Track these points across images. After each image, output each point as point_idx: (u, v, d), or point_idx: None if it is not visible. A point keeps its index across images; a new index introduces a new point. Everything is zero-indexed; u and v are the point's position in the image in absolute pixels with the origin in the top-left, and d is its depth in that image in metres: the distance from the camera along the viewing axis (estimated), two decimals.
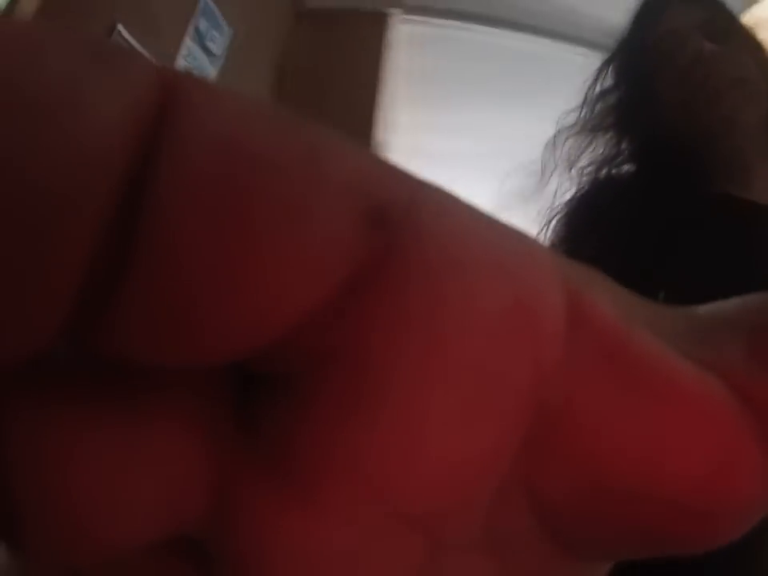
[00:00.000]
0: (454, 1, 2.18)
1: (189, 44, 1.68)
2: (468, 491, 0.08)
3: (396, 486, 0.07)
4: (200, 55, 1.74)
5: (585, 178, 0.72)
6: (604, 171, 0.72)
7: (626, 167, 0.70)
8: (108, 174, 0.06)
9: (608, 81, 0.76)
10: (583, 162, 0.73)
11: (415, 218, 0.07)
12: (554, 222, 0.73)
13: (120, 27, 1.42)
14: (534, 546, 0.09)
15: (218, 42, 1.82)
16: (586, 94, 0.78)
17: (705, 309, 0.10)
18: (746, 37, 0.72)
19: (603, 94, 0.77)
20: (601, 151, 0.73)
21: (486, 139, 2.75)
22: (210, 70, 1.80)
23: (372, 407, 0.07)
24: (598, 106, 0.76)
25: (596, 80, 0.78)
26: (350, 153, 0.07)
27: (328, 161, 0.07)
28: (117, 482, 0.07)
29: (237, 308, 0.06)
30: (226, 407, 0.08)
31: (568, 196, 0.74)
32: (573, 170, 0.74)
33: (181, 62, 1.67)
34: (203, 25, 1.72)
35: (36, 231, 0.06)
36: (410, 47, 2.28)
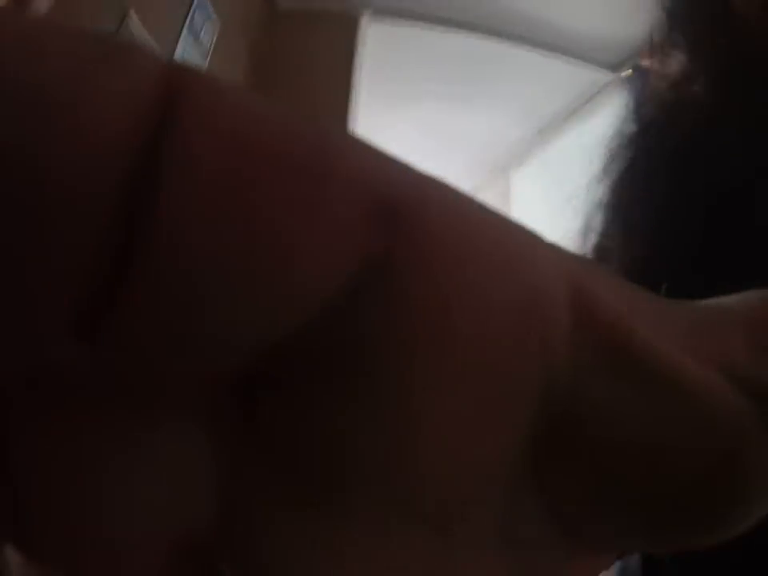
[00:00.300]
0: (417, 4, 2.26)
1: (185, 35, 1.70)
2: (478, 486, 0.08)
3: (408, 482, 0.08)
4: (193, 47, 1.76)
5: (653, 105, 0.59)
6: (672, 97, 0.59)
7: (698, 94, 0.57)
8: (113, 168, 0.06)
9: None
10: (657, 86, 0.60)
11: (423, 214, 0.07)
12: (616, 153, 0.60)
13: (132, 13, 1.43)
14: (546, 543, 0.09)
15: (209, 35, 1.84)
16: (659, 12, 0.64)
17: (707, 303, 0.10)
18: None
19: (670, 9, 0.61)
20: (671, 72, 0.59)
21: (433, 134, 2.83)
22: (203, 63, 1.81)
23: (382, 403, 0.07)
24: (667, 24, 0.63)
25: None
26: (359, 148, 0.07)
27: (337, 156, 0.07)
28: (124, 486, 0.07)
29: (242, 304, 0.06)
30: (234, 411, 0.08)
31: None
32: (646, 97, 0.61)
33: (179, 52, 1.68)
34: (198, 17, 1.75)
35: (41, 227, 0.06)
36: (372, 47, 2.35)
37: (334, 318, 0.07)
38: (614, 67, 2.22)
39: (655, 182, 0.39)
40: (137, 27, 1.45)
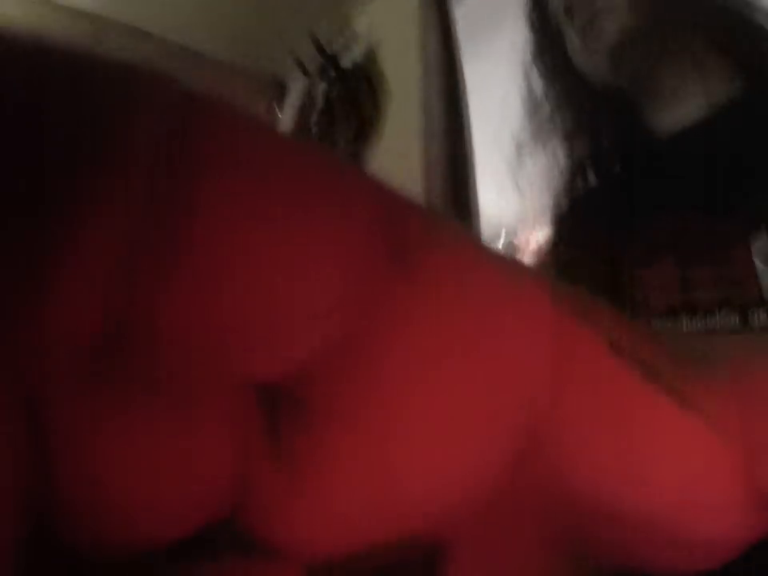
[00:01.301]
0: None
1: None
2: (460, 501, 0.09)
3: (393, 489, 0.09)
4: None
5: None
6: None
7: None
8: (131, 172, 0.06)
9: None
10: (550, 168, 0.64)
11: (431, 251, 0.08)
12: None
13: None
14: (529, 552, 0.10)
15: None
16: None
17: (698, 339, 0.16)
18: None
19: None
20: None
21: None
22: None
23: (379, 421, 0.08)
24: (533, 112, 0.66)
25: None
26: (370, 184, 0.08)
27: (351, 189, 0.07)
28: (157, 475, 0.08)
29: (254, 326, 0.07)
30: (255, 418, 0.09)
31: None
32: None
33: None
34: None
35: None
36: None
37: (344, 341, 0.08)
38: None
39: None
40: None
